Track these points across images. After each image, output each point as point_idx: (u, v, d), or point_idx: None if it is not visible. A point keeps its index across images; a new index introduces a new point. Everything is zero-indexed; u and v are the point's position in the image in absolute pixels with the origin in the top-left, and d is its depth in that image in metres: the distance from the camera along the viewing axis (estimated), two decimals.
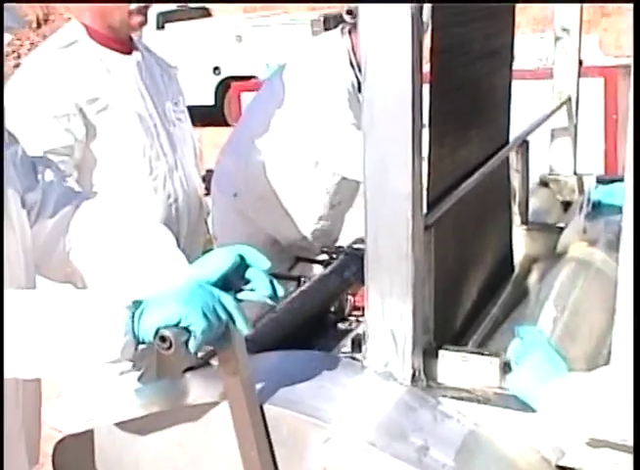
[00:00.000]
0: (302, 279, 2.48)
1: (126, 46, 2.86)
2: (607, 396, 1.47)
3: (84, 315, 1.50)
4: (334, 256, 2.56)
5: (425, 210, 1.73)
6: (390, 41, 1.54)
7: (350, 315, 2.34)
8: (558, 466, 1.66)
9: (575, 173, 3.18)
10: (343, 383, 1.69)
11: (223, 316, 1.51)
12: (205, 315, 1.47)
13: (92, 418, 1.89)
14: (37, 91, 2.64)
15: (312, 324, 2.17)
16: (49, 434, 3.52)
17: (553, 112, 2.95)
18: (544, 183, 3.18)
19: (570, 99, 3.09)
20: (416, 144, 1.59)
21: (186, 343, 1.47)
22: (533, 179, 3.09)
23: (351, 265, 2.39)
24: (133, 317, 1.48)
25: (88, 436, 1.84)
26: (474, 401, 1.70)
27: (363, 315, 1.77)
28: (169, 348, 1.44)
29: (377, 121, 1.59)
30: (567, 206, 3.11)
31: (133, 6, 2.76)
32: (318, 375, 1.71)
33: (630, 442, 1.45)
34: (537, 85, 4.43)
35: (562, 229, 2.64)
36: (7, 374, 1.54)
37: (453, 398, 1.71)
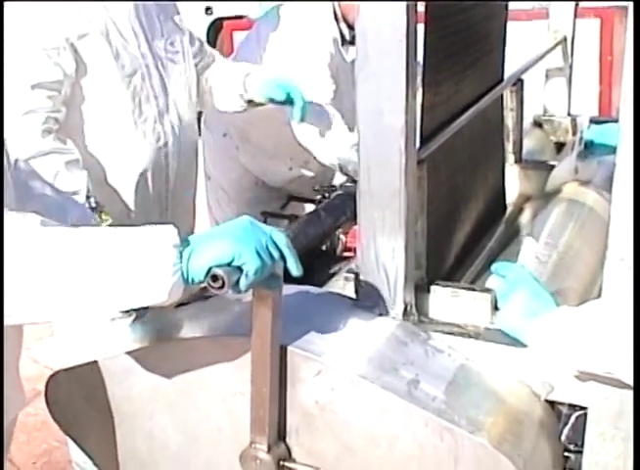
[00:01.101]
0: (295, 218, 2.48)
1: None
2: (594, 328, 1.48)
3: (128, 254, 1.40)
4: (326, 194, 2.55)
5: (418, 144, 1.73)
6: None
7: (343, 255, 2.34)
8: (547, 401, 1.68)
9: (569, 114, 3.17)
10: (335, 317, 1.69)
11: (276, 255, 1.46)
12: (258, 254, 1.41)
13: (84, 353, 1.90)
14: (27, 24, 2.59)
15: (303, 262, 2.17)
16: (43, 372, 3.56)
17: (548, 51, 2.93)
18: (538, 124, 3.17)
19: (565, 39, 3.07)
20: (410, 78, 1.58)
21: (236, 281, 1.42)
22: (527, 120, 3.08)
23: (344, 204, 2.38)
24: (181, 257, 1.41)
25: (80, 370, 1.85)
26: (465, 336, 1.71)
27: (355, 255, 1.77)
28: (221, 287, 1.39)
29: (371, 55, 1.58)
30: (560, 147, 3.11)
31: None
32: (310, 310, 1.72)
33: (616, 374, 1.46)
34: (533, 26, 4.39)
35: (554, 167, 2.64)
36: (34, 317, 1.42)
37: (444, 332, 1.72)
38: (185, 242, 1.43)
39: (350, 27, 3.25)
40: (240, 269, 1.41)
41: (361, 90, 1.61)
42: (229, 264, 1.40)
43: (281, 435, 1.66)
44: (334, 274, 2.11)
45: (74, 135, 2.67)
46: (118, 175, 2.79)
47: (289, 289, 1.79)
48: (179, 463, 1.82)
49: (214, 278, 1.40)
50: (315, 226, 2.29)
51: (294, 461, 1.66)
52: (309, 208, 2.82)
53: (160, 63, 2.82)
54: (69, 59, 2.58)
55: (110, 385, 1.82)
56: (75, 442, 1.98)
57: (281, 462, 1.65)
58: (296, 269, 1.50)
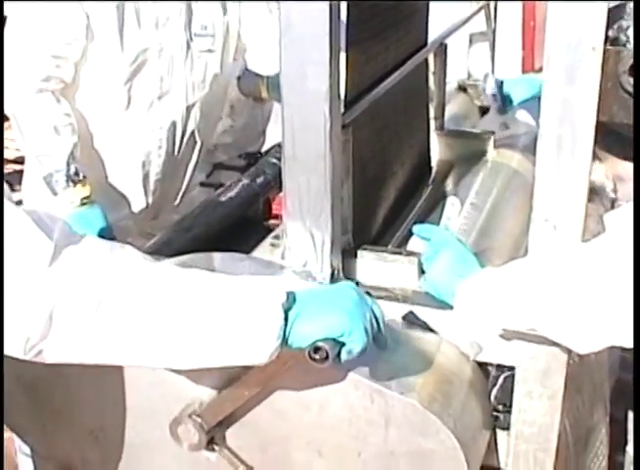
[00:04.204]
0: (221, 186, 2.46)
1: None
2: (518, 286, 1.49)
3: (233, 311, 1.33)
4: (251, 161, 2.54)
5: (342, 109, 1.72)
6: None
7: (269, 221, 2.33)
8: (477, 361, 1.70)
9: None
10: None
11: (375, 331, 1.41)
12: (365, 331, 1.37)
13: None
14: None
15: (229, 229, 2.16)
16: None
17: (471, 16, 2.93)
18: (462, 88, 3.18)
19: (488, 4, 3.08)
20: (333, 42, 1.56)
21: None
22: (452, 85, 3.09)
23: (269, 170, 2.37)
24: (287, 318, 1.34)
25: None
26: (393, 300, 1.72)
27: (282, 221, 1.76)
28: (323, 359, 1.35)
29: (293, 20, 1.56)
30: (485, 111, 3.13)
31: None
32: (236, 275, 1.71)
33: (540, 331, 1.48)
34: None
35: (476, 134, 2.66)
36: (122, 359, 1.35)
37: (372, 297, 1.72)
38: (292, 297, 1.37)
39: None
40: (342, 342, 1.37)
41: (285, 55, 1.59)
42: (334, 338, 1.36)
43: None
44: (260, 241, 2.09)
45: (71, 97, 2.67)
46: (107, 148, 2.79)
47: (215, 256, 1.78)
48: (110, 436, 1.80)
49: (316, 349, 1.36)
50: (240, 194, 2.28)
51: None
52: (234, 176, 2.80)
53: (179, 46, 2.77)
54: (80, 20, 2.53)
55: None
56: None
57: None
58: (384, 345, 1.46)
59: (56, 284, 1.25)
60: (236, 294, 1.35)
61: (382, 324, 1.44)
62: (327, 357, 1.35)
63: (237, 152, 3.05)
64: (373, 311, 1.42)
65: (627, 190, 1.92)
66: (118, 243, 1.40)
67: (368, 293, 1.49)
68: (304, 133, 1.61)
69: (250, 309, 1.33)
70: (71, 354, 1.30)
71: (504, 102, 2.81)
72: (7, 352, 1.28)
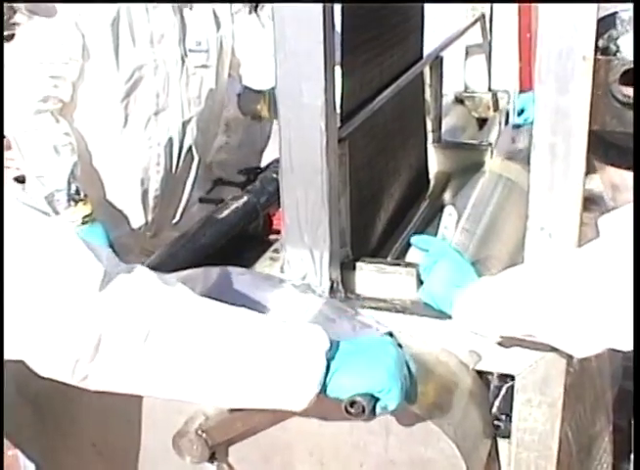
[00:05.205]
0: (221, 201, 2.47)
1: None
2: (515, 293, 1.50)
3: (276, 356, 1.33)
4: (251, 177, 2.56)
5: (339, 123, 1.73)
6: None
7: (269, 236, 2.34)
8: (476, 370, 1.70)
9: (490, 90, 3.21)
10: (262, 296, 1.70)
11: (408, 385, 1.42)
12: (402, 389, 1.38)
13: None
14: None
15: (230, 245, 2.17)
16: None
17: (467, 28, 2.96)
18: (460, 100, 3.20)
19: (483, 16, 3.10)
20: (328, 56, 1.58)
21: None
22: (449, 97, 3.11)
23: (268, 186, 2.38)
24: (328, 367, 1.34)
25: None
26: (392, 311, 1.73)
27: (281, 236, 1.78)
28: (360, 413, 1.35)
29: (288, 34, 1.58)
30: (482, 122, 3.15)
31: None
32: (236, 290, 1.72)
33: (537, 337, 1.49)
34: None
35: (474, 146, 2.68)
36: (161, 392, 1.34)
37: (371, 308, 1.73)
38: (335, 346, 1.37)
39: None
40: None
41: (280, 71, 1.61)
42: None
43: None
44: (260, 256, 2.10)
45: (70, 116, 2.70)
46: (105, 166, 2.81)
47: (214, 270, 1.79)
48: (113, 450, 1.81)
49: (353, 403, 1.36)
50: (241, 209, 2.29)
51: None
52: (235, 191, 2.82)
53: (174, 62, 2.79)
54: (76, 40, 2.55)
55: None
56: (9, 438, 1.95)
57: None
58: (413, 399, 1.46)
59: (106, 310, 1.25)
60: (281, 338, 1.35)
61: (414, 378, 1.45)
62: (363, 411, 1.36)
63: (233, 169, 3.07)
64: (408, 367, 1.44)
65: (625, 198, 1.93)
66: (168, 275, 1.41)
67: (399, 345, 1.49)
68: (301, 148, 1.63)
69: (293, 355, 1.33)
70: (115, 383, 1.31)
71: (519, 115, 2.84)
72: (51, 374, 1.29)
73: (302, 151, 1.63)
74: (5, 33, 1.40)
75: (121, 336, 1.26)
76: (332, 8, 1.59)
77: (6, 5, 1.33)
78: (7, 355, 1.26)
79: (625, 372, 2.63)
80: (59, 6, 2.54)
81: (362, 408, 1.36)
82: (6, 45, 2.52)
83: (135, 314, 1.27)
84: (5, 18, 1.36)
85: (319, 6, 1.55)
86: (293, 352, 1.33)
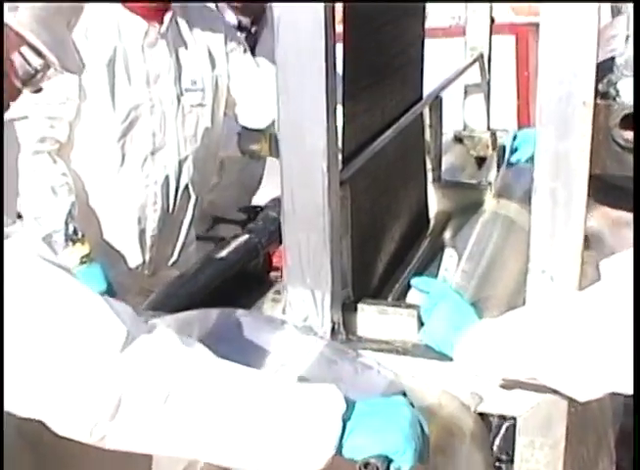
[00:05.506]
0: (222, 240, 2.48)
1: (156, 13, 2.75)
2: (516, 336, 1.51)
3: (292, 419, 1.33)
4: (251, 215, 2.56)
5: (340, 165, 1.75)
6: None
7: (269, 275, 2.35)
8: (479, 413, 1.70)
9: (489, 129, 3.22)
10: (263, 338, 1.70)
11: (421, 446, 1.41)
12: (416, 451, 1.38)
13: None
14: None
15: (230, 284, 2.17)
16: None
17: (465, 68, 2.98)
18: (459, 139, 3.21)
19: (482, 56, 3.12)
20: (330, 100, 1.60)
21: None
22: (448, 136, 3.13)
23: (269, 225, 2.39)
24: (344, 428, 1.34)
25: None
26: (393, 353, 1.73)
27: (282, 276, 1.78)
28: None
29: (290, 78, 1.59)
30: (481, 161, 3.16)
31: None
32: (237, 332, 1.72)
33: (540, 379, 1.49)
34: (450, 43, 4.46)
35: (473, 185, 2.69)
36: (176, 451, 1.33)
37: (373, 350, 1.73)
38: (350, 407, 1.37)
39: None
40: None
41: (282, 113, 1.62)
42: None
43: None
44: (261, 296, 2.10)
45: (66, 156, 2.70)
46: (103, 205, 2.80)
47: (214, 312, 1.79)
48: None
49: (367, 464, 1.36)
50: (241, 248, 2.29)
51: None
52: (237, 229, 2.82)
53: (170, 101, 2.80)
54: (72, 80, 2.56)
55: None
56: None
57: None
58: (425, 459, 1.44)
59: (126, 371, 1.26)
60: (299, 400, 1.36)
61: (427, 438, 1.44)
62: None
63: (224, 209, 3.07)
64: (421, 427, 1.43)
65: (623, 235, 1.94)
66: (191, 339, 1.41)
67: (412, 404, 1.48)
68: (303, 190, 1.64)
69: (311, 417, 1.34)
70: (132, 443, 1.31)
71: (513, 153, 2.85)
72: (69, 433, 1.29)
73: (304, 193, 1.64)
74: (35, 88, 1.42)
75: (142, 397, 1.26)
76: (334, 51, 1.60)
77: (42, 61, 1.35)
78: (25, 414, 1.27)
79: (626, 409, 2.62)
80: None
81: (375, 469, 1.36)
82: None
83: (156, 376, 1.28)
84: (39, 73, 1.37)
85: (321, 49, 1.56)
86: (310, 413, 1.34)
